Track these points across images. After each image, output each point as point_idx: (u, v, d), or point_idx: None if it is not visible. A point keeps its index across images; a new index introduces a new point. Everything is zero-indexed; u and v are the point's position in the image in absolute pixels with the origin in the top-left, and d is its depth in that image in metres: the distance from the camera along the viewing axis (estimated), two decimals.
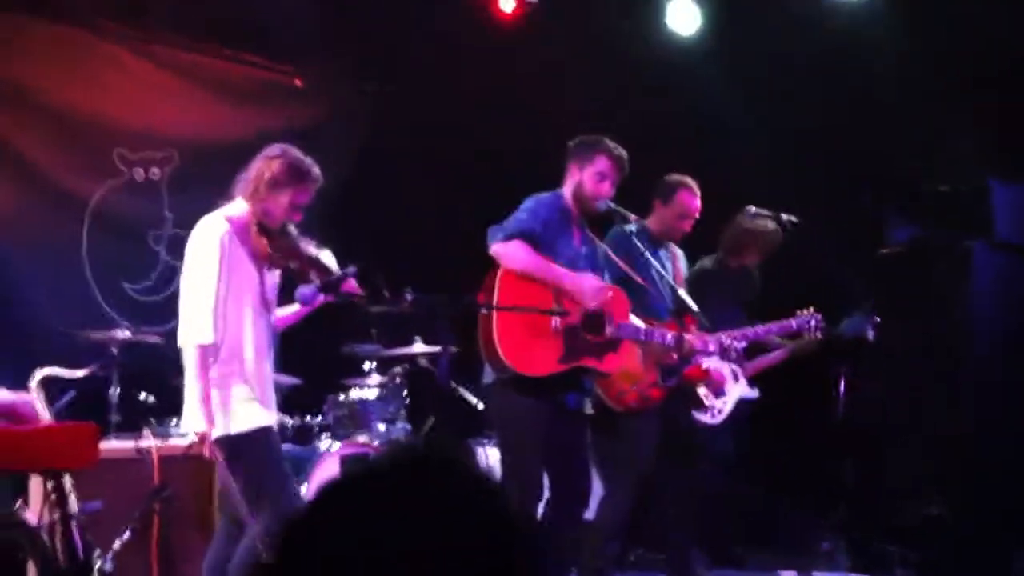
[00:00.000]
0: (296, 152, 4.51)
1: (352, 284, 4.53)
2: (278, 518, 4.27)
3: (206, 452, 4.28)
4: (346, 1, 7.43)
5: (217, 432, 4.28)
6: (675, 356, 5.27)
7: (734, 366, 5.97)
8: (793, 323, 5.99)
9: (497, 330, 4.74)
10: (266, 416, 4.40)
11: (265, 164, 4.44)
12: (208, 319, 4.29)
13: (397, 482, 1.19)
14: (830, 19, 6.91)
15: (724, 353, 5.42)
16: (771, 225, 6.19)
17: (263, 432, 4.37)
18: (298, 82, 7.97)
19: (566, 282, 4.85)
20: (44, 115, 6.71)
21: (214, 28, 7.40)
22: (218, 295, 4.31)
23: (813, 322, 5.98)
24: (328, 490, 1.21)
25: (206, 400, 4.25)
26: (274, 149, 4.50)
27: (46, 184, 6.74)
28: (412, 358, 6.43)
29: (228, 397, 4.33)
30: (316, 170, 4.51)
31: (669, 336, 5.19)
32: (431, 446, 1.18)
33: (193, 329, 4.31)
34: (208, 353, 4.30)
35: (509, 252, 4.83)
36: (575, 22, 7.60)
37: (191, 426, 4.29)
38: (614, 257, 5.32)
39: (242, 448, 4.33)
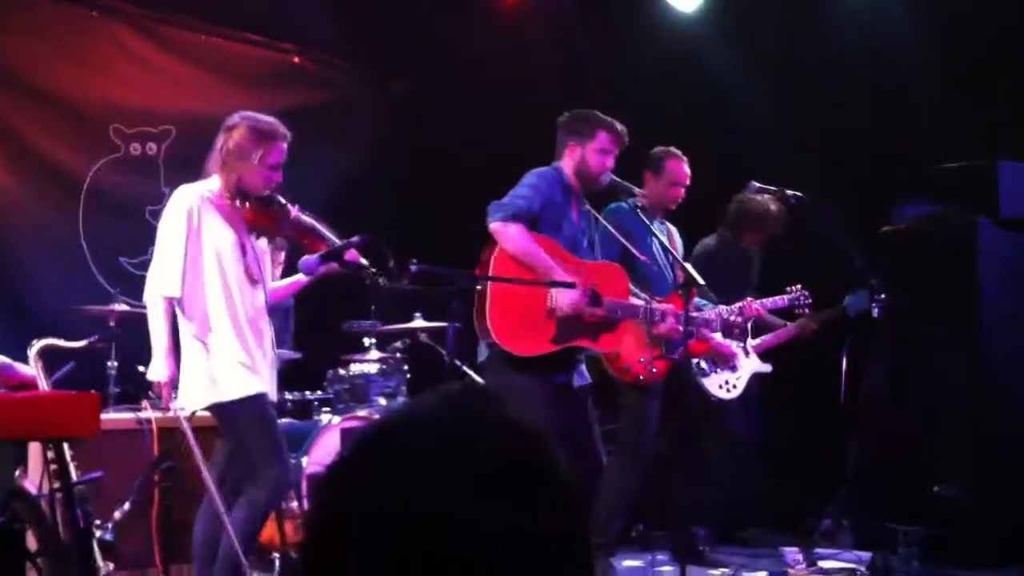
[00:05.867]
0: (255, 115, 4.53)
1: (355, 254, 4.52)
2: (271, 485, 4.35)
3: (164, 403, 4.39)
4: None
5: (209, 400, 4.36)
6: (679, 329, 5.23)
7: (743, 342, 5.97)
8: (784, 299, 6.01)
9: (490, 309, 4.72)
10: (256, 383, 4.40)
11: (226, 135, 4.47)
12: (174, 273, 4.32)
13: (440, 428, 1.10)
14: None
15: (727, 330, 5.40)
16: (773, 205, 6.18)
17: (253, 400, 4.38)
18: (296, 60, 7.93)
19: (554, 278, 4.80)
20: (39, 92, 6.70)
21: (215, 7, 7.35)
22: (185, 253, 4.34)
23: (802, 298, 6.02)
24: (365, 439, 1.12)
25: (165, 354, 4.30)
26: (232, 119, 4.52)
27: (42, 160, 6.72)
28: (412, 333, 6.38)
29: (216, 365, 4.36)
30: (281, 127, 4.52)
31: (670, 317, 5.17)
32: (473, 393, 1.09)
33: (158, 281, 4.35)
34: (172, 307, 4.34)
35: (509, 234, 4.78)
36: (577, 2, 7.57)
37: (149, 375, 4.35)
38: (616, 234, 5.29)
39: (232, 415, 4.39)
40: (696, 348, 5.72)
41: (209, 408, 4.39)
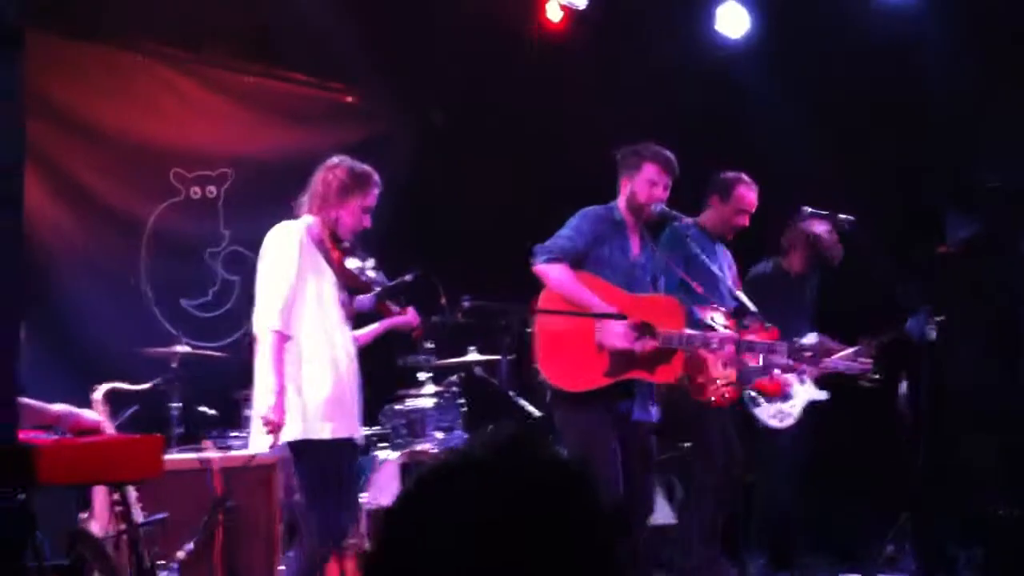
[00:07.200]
0: (352, 159, 4.61)
1: (414, 315, 4.80)
2: (308, 546, 4.29)
3: (272, 442, 4.22)
4: (397, 20, 7.47)
5: (292, 433, 4.27)
6: (758, 361, 5.25)
7: (801, 368, 5.89)
8: (856, 367, 5.84)
9: (539, 349, 4.82)
10: (337, 427, 4.36)
11: (329, 174, 4.52)
12: (283, 307, 4.29)
13: (494, 470, 1.20)
14: (881, 17, 6.85)
15: (794, 355, 5.35)
16: (824, 228, 6.15)
17: (329, 446, 4.34)
18: (349, 99, 8.04)
19: (595, 318, 4.85)
20: (100, 139, 6.81)
21: (265, 49, 7.48)
22: (294, 286, 4.33)
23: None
24: (425, 478, 1.22)
25: (280, 391, 4.21)
26: (332, 159, 4.59)
27: (104, 206, 6.84)
28: (467, 367, 6.43)
29: (310, 400, 4.32)
30: (375, 174, 4.60)
31: (728, 344, 5.11)
32: (523, 435, 1.19)
33: (268, 315, 4.31)
34: (282, 341, 4.29)
35: (551, 274, 4.90)
36: (623, 28, 7.60)
37: (262, 413, 4.22)
38: (671, 263, 5.31)
39: (307, 455, 4.33)
40: (763, 386, 5.67)
41: (290, 442, 4.30)
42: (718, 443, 5.46)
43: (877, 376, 5.84)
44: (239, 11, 7.07)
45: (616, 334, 4.81)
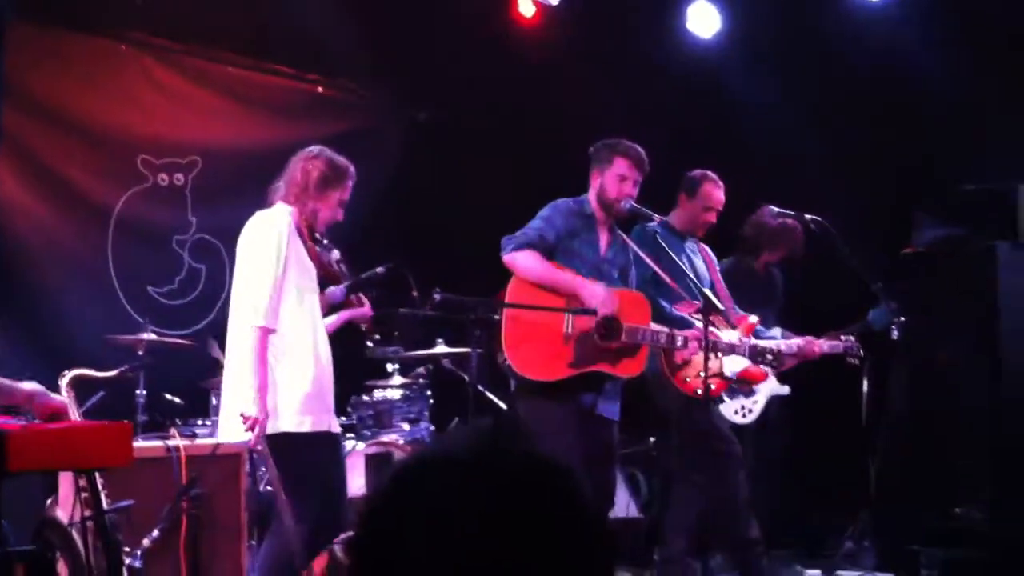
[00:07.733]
0: (330, 151, 4.55)
1: (367, 309, 4.79)
2: (312, 526, 4.27)
3: (253, 439, 4.19)
4: (388, 15, 7.48)
5: (270, 427, 4.24)
6: (745, 351, 5.31)
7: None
8: (840, 347, 5.88)
9: (505, 337, 4.81)
10: (324, 421, 4.36)
11: (309, 164, 4.45)
12: (270, 302, 4.25)
13: (475, 465, 1.20)
14: (854, 19, 6.93)
15: (757, 357, 5.39)
16: (791, 222, 6.22)
17: (317, 437, 4.33)
18: (320, 90, 8.02)
19: (577, 286, 4.88)
20: (69, 124, 6.77)
21: (241, 39, 7.45)
22: (279, 281, 4.28)
23: (854, 348, 5.89)
24: (403, 473, 1.22)
25: (262, 388, 4.19)
26: (312, 150, 4.52)
27: (72, 191, 6.79)
28: (435, 359, 6.44)
29: (291, 394, 4.30)
30: (351, 167, 4.56)
31: (692, 343, 5.14)
32: (501, 430, 1.20)
33: (253, 311, 4.26)
34: (267, 337, 4.26)
35: (520, 262, 4.90)
36: (594, 25, 7.63)
37: (243, 409, 4.18)
38: (644, 256, 5.32)
39: (291, 448, 4.30)
40: (751, 375, 5.70)
41: (270, 435, 4.25)
42: (709, 437, 5.45)
43: (863, 354, 5.88)
44: (228, 3, 7.07)
45: (601, 299, 4.80)
